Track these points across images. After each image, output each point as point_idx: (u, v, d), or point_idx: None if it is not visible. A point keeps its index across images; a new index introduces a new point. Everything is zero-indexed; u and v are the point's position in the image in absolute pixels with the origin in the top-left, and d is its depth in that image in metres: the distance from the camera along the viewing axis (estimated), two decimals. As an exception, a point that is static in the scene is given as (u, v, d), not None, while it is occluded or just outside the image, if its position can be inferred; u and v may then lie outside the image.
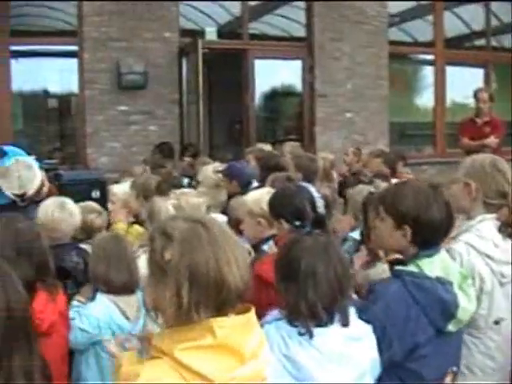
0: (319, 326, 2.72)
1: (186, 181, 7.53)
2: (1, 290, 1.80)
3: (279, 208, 4.15)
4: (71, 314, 4.02)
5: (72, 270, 4.50)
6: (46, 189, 5.67)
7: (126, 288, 4.04)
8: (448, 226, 3.17)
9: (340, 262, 2.87)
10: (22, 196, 6.89)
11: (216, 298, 1.97)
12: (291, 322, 2.74)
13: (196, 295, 1.96)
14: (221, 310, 1.99)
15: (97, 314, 3.98)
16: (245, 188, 6.33)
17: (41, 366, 1.91)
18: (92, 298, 4.09)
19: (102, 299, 4.04)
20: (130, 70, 10.74)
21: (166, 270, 2.00)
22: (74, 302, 4.12)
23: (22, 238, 3.78)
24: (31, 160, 5.97)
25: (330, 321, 2.74)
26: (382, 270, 3.66)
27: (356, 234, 4.87)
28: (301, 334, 2.69)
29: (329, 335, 2.71)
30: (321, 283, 2.76)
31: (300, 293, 2.75)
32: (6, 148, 7.82)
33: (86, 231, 5.09)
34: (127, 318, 4.02)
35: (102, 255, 4.11)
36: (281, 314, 2.81)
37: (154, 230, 2.12)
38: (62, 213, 4.69)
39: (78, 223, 4.83)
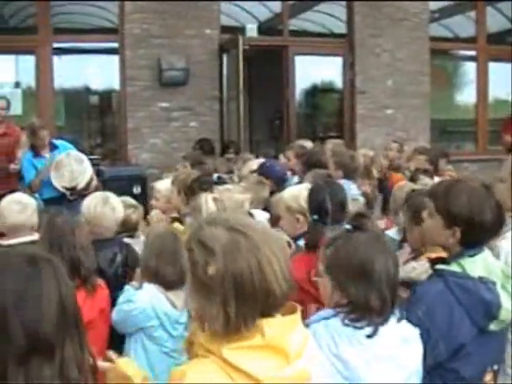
0: (385, 321, 2.71)
1: (215, 176, 7.53)
2: (53, 280, 1.83)
3: (308, 203, 4.18)
4: (120, 297, 4.08)
5: (106, 267, 4.54)
6: (95, 182, 5.72)
7: (174, 283, 4.05)
8: (499, 227, 3.12)
9: (394, 257, 2.86)
10: (72, 189, 6.99)
11: (262, 306, 1.96)
12: (353, 320, 2.70)
13: (243, 307, 1.94)
14: (267, 315, 1.98)
15: (144, 302, 4.01)
16: (280, 185, 6.36)
17: (89, 359, 1.94)
18: (140, 287, 4.12)
19: (150, 288, 4.06)
20: (170, 66, 10.78)
21: (210, 286, 1.98)
22: (126, 287, 4.18)
23: (55, 233, 3.85)
24: (82, 154, 6.00)
25: (386, 320, 2.72)
26: (424, 268, 3.63)
27: (392, 233, 4.86)
28: (368, 336, 2.66)
29: (380, 335, 2.69)
30: (387, 279, 2.72)
31: (371, 290, 2.72)
32: (57, 142, 7.93)
33: (123, 226, 5.13)
34: (174, 306, 4.04)
35: (156, 248, 4.13)
36: (330, 313, 2.78)
37: (192, 239, 2.08)
38: (105, 208, 4.72)
39: (120, 218, 4.86)
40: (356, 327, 2.67)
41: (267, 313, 1.98)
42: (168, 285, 4.06)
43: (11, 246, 4.36)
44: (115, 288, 4.26)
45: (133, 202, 5.46)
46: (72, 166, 7.15)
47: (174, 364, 3.53)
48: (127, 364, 2.58)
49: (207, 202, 4.77)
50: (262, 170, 6.80)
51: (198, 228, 2.09)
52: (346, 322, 2.68)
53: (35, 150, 8.03)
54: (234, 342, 1.93)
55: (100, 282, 4.09)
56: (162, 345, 4.05)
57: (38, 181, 7.80)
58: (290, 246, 4.20)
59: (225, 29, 11.62)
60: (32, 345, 1.71)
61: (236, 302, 1.93)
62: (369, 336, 2.64)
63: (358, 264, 2.75)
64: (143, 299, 4.01)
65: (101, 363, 2.42)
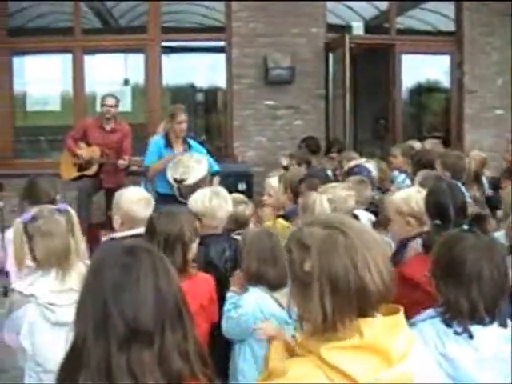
0: (479, 324, 2.67)
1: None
2: (151, 270, 1.88)
3: (426, 205, 4.11)
4: (226, 305, 4.11)
5: (216, 261, 4.58)
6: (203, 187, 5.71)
7: (277, 283, 4.06)
8: None
9: (503, 261, 2.80)
10: (179, 182, 7.11)
11: (358, 305, 1.95)
12: (447, 320, 2.69)
13: (339, 305, 1.94)
14: (363, 314, 1.97)
15: (251, 305, 4.02)
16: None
17: (199, 351, 1.97)
18: (245, 289, 4.14)
19: (256, 290, 4.08)
20: (276, 65, 10.81)
21: (307, 283, 1.99)
22: (228, 294, 4.19)
23: (158, 225, 3.91)
24: (205, 158, 6.03)
25: (491, 321, 2.68)
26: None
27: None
28: (457, 334, 2.64)
29: (486, 335, 2.65)
30: (485, 283, 2.70)
31: (462, 292, 2.70)
32: (192, 142, 8.04)
33: (236, 222, 5.16)
34: (281, 306, 4.04)
35: (254, 251, 4.14)
36: (435, 312, 2.77)
37: (290, 240, 2.11)
38: (219, 200, 4.77)
39: (230, 211, 4.91)
40: (449, 326, 2.66)
41: (365, 312, 1.97)
42: (271, 285, 4.07)
43: (124, 238, 4.47)
44: (224, 283, 4.29)
45: (243, 198, 5.49)
46: (189, 163, 7.29)
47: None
48: None
49: (322, 202, 4.75)
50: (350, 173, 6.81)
51: (297, 230, 2.11)
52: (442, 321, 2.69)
53: (168, 141, 8.14)
54: (332, 341, 1.93)
55: (207, 276, 4.14)
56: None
57: (154, 170, 7.97)
58: (390, 247, 4.16)
59: (331, 27, 11.57)
60: (131, 332, 1.79)
61: (332, 297, 1.94)
62: (464, 335, 2.63)
63: (450, 263, 2.76)
64: (250, 303, 4.03)
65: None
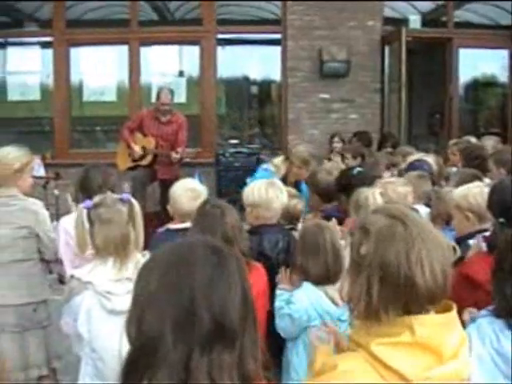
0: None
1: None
2: (237, 269, 1.86)
3: (489, 203, 4.05)
4: (277, 302, 4.11)
5: (269, 252, 4.59)
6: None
7: (324, 278, 4.05)
8: None
9: None
10: None
11: (404, 299, 1.95)
12: (503, 317, 2.67)
13: (385, 294, 1.95)
14: (409, 310, 1.96)
15: (304, 301, 4.00)
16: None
17: (261, 354, 1.96)
18: (299, 285, 4.14)
19: (308, 286, 4.06)
20: (332, 58, 10.76)
21: (359, 265, 2.02)
22: (278, 291, 4.18)
23: (206, 216, 3.93)
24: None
25: None
26: None
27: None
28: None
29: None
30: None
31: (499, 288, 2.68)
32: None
33: (288, 216, 5.15)
34: (335, 303, 4.02)
35: (303, 245, 4.14)
36: (494, 310, 2.75)
37: (356, 224, 2.15)
38: (275, 191, 4.76)
39: (285, 202, 4.90)
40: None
41: (412, 308, 1.96)
42: (319, 281, 4.06)
43: (180, 230, 4.53)
44: (275, 274, 4.30)
45: (296, 192, 5.50)
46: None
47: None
48: None
49: (375, 197, 4.72)
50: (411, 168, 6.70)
51: (364, 217, 2.14)
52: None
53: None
54: (381, 336, 1.94)
55: (259, 266, 4.14)
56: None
57: None
58: (454, 251, 4.11)
59: (387, 20, 11.48)
60: (217, 331, 1.73)
61: (379, 285, 1.96)
62: None
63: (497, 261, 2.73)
64: (302, 298, 4.02)
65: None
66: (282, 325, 4.05)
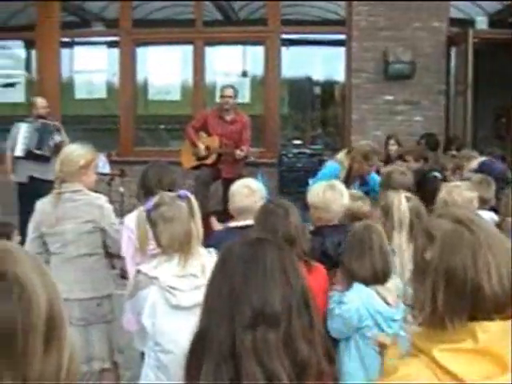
0: None
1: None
2: (277, 260, 1.92)
3: None
4: (330, 304, 4.09)
5: (332, 253, 4.58)
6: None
7: (372, 279, 4.02)
8: None
9: None
10: None
11: (470, 305, 1.90)
12: None
13: (451, 301, 1.91)
14: (474, 318, 1.91)
15: (355, 302, 3.97)
16: (501, 185, 6.14)
17: (323, 343, 1.98)
18: (349, 286, 4.12)
19: (360, 286, 4.03)
20: (397, 59, 10.66)
21: (424, 271, 1.98)
22: (331, 293, 4.16)
23: (268, 215, 3.94)
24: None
25: None
26: None
27: None
28: None
29: None
30: None
31: None
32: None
33: (353, 217, 5.13)
34: (388, 303, 4.00)
35: (352, 246, 4.12)
36: None
37: (418, 229, 2.13)
38: (334, 193, 4.78)
39: (346, 204, 4.89)
40: None
41: (477, 315, 1.91)
42: (367, 281, 4.02)
43: (239, 227, 4.58)
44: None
45: (361, 194, 5.48)
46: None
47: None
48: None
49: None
50: (481, 169, 6.60)
51: (428, 219, 2.12)
52: None
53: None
54: (444, 342, 1.90)
55: (319, 265, 4.14)
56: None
57: None
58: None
59: (453, 21, 11.32)
60: (258, 316, 1.83)
61: (445, 292, 1.92)
62: None
63: None
64: (354, 299, 3.99)
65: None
66: (333, 325, 4.04)
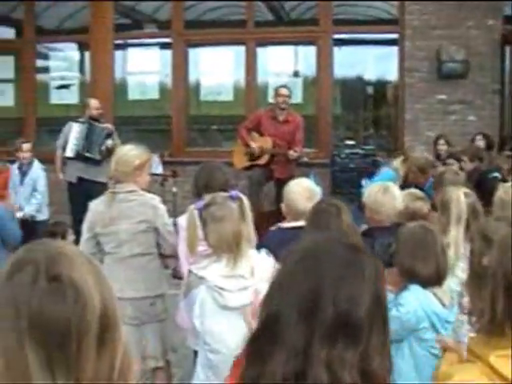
0: None
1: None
2: (373, 271, 1.86)
3: None
4: None
5: (381, 254, 4.55)
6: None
7: (431, 280, 3.96)
8: None
9: None
10: None
11: None
12: None
13: (511, 307, 1.88)
14: None
15: (413, 303, 3.92)
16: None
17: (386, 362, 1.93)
18: (405, 287, 4.08)
19: (417, 288, 3.98)
20: (450, 58, 10.52)
21: (482, 277, 1.95)
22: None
23: (321, 215, 3.94)
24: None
25: None
26: None
27: None
28: None
29: None
30: None
31: None
32: None
33: (413, 217, 5.07)
34: (443, 304, 3.94)
35: (407, 247, 4.04)
36: None
37: (475, 231, 2.10)
38: (385, 196, 4.77)
39: (399, 207, 4.86)
40: None
41: None
42: (424, 283, 3.95)
43: (292, 228, 4.57)
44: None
45: (421, 194, 5.42)
46: None
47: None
48: None
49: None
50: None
51: (485, 222, 2.08)
52: None
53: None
54: (501, 348, 1.86)
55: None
56: (432, 346, 3.89)
57: None
58: None
59: (508, 19, 11.14)
60: (340, 326, 1.71)
61: (504, 298, 1.88)
62: None
63: None
64: (412, 301, 3.93)
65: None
66: (392, 328, 3.99)
